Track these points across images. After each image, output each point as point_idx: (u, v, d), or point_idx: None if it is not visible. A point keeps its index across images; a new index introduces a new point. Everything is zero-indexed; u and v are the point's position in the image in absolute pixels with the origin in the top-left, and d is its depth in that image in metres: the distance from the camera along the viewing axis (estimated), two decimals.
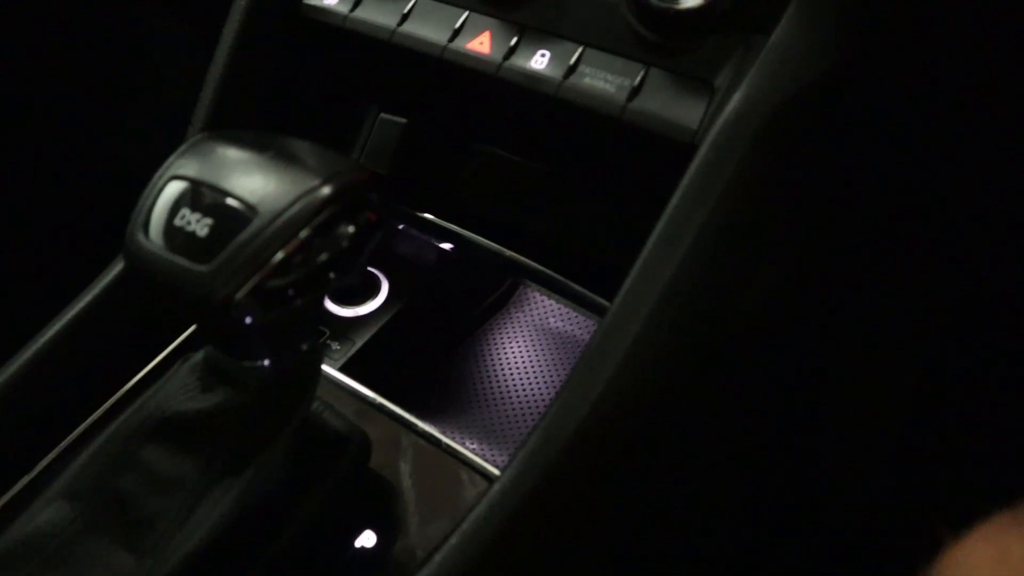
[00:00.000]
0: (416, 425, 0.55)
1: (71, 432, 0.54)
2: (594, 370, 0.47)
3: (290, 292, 0.40)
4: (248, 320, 0.40)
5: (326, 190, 0.40)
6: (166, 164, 0.42)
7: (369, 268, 0.69)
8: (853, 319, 0.67)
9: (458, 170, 0.74)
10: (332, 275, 0.41)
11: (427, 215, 0.71)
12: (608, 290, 0.50)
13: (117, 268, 0.56)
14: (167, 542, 0.46)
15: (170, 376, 0.49)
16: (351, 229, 0.41)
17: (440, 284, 0.70)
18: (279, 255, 0.38)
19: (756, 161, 0.49)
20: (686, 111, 0.52)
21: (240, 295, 0.38)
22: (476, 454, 0.53)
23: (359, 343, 0.65)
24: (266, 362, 0.45)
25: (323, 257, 0.40)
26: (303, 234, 0.38)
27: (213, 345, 0.45)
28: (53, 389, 0.53)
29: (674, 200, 0.49)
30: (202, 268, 0.38)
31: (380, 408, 0.56)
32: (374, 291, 0.69)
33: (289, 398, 0.47)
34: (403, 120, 0.74)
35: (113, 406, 0.55)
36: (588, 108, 0.54)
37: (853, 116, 0.54)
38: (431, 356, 0.67)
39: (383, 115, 0.75)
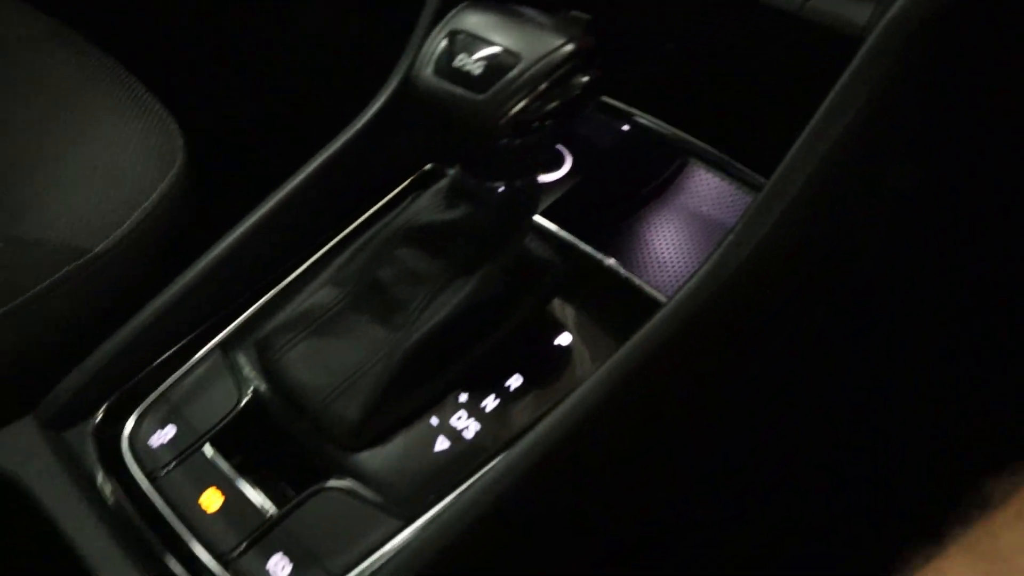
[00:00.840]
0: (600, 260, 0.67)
1: (338, 234, 0.69)
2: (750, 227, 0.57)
3: (535, 124, 0.52)
4: (503, 143, 0.52)
5: (570, 46, 0.52)
6: (443, 22, 0.55)
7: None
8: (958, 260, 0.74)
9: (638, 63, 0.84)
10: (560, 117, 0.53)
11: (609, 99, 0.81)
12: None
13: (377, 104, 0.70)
14: (412, 321, 0.60)
15: (419, 195, 0.64)
16: (584, 79, 0.53)
17: (616, 161, 0.81)
18: (538, 88, 0.50)
19: (907, 62, 0.58)
20: (857, 9, 0.61)
21: (503, 120, 0.51)
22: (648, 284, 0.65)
23: (547, 201, 0.77)
24: (501, 188, 0.58)
25: (564, 97, 0.52)
26: (554, 75, 0.51)
27: (464, 166, 0.58)
28: (328, 197, 0.69)
29: (831, 95, 0.58)
30: (479, 96, 0.51)
31: (570, 245, 0.68)
32: (559, 163, 0.81)
33: (515, 218, 0.60)
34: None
35: (369, 218, 0.70)
36: (768, 3, 0.64)
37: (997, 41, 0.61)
38: (606, 223, 0.79)
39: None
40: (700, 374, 0.60)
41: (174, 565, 0.55)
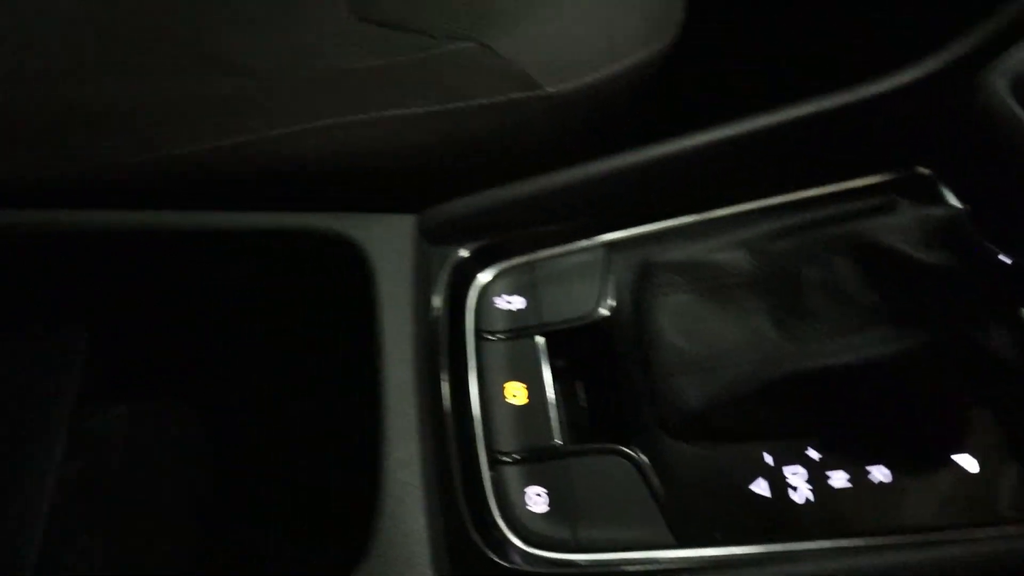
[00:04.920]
0: None
1: (782, 195, 0.60)
2: None
3: None
4: None
5: None
6: None
7: None
8: None
9: None
10: None
11: None
12: None
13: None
14: (820, 341, 0.50)
15: (894, 202, 0.52)
16: None
17: None
18: None
19: None
20: None
21: None
22: None
23: None
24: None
25: None
26: None
27: (981, 208, 0.45)
28: (796, 149, 0.59)
29: None
30: None
31: None
32: None
33: (1006, 299, 0.46)
34: None
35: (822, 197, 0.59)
36: None
37: None
38: None
39: None
40: None
41: (448, 424, 0.53)
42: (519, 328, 0.56)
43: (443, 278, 0.58)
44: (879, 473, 0.48)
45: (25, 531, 0.55)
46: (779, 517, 0.48)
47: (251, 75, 0.64)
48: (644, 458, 0.50)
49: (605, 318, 0.56)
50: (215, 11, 0.69)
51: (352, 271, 0.57)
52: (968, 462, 0.48)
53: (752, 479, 0.49)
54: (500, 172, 0.64)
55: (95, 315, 0.65)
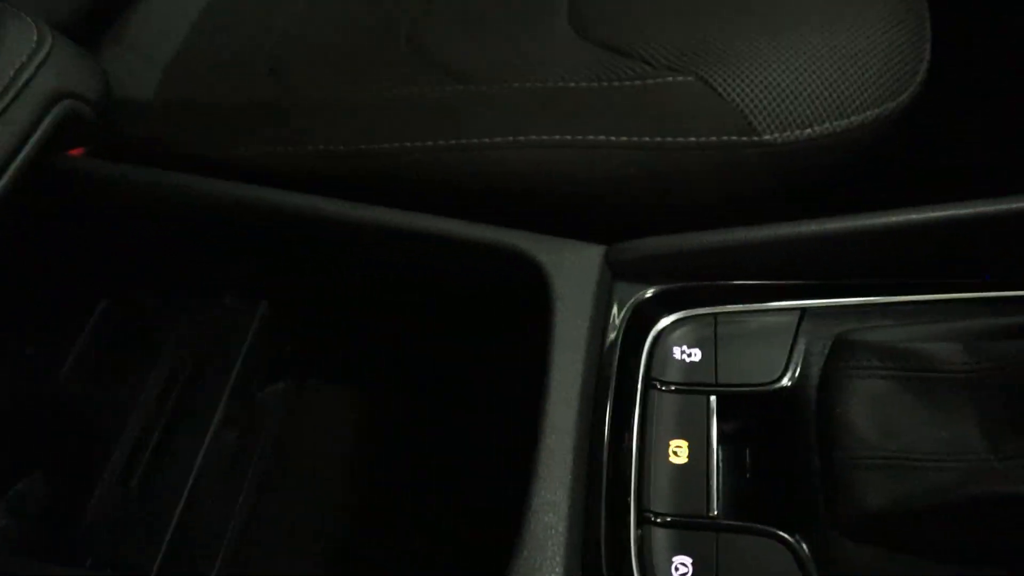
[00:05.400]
0: None
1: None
2: None
3: None
4: None
5: None
6: None
7: None
8: None
9: None
10: None
11: None
12: None
13: None
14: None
15: None
16: None
17: None
18: None
19: None
20: None
21: None
22: None
23: None
24: None
25: None
26: None
27: None
28: None
29: None
30: None
31: None
32: None
33: None
34: None
35: None
36: None
37: None
38: None
39: None
40: None
41: (603, 472, 0.51)
42: (693, 383, 0.53)
43: (623, 316, 0.56)
44: None
45: (172, 490, 0.58)
46: None
47: (468, 81, 0.64)
48: (806, 550, 0.46)
49: (787, 389, 0.52)
50: (441, 14, 0.70)
51: (532, 293, 0.56)
52: None
53: None
54: (697, 216, 0.61)
55: (275, 292, 0.67)
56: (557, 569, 0.44)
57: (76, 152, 0.69)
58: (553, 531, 0.45)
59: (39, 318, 0.70)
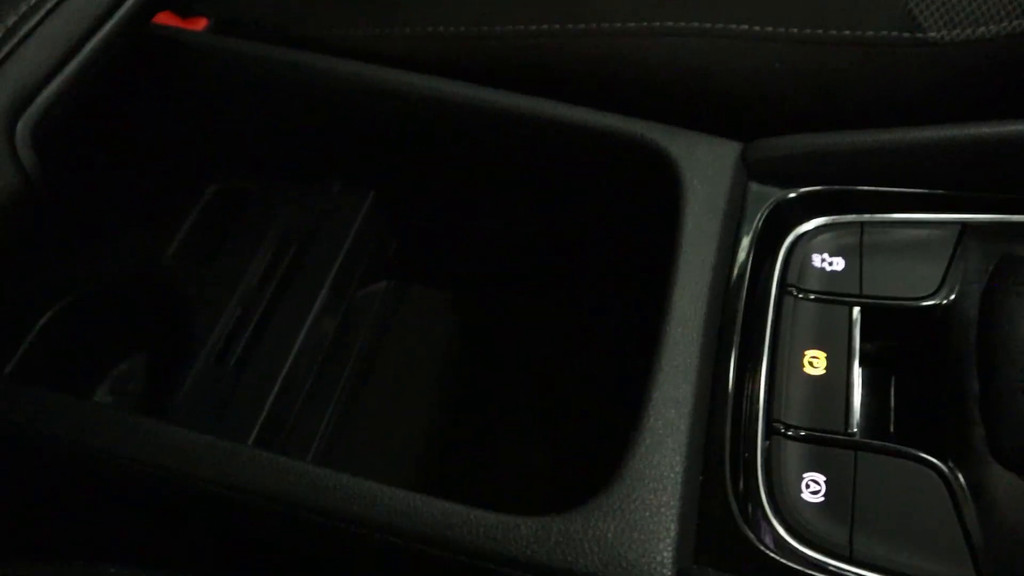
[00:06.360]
0: None
1: None
2: None
3: None
4: None
5: None
6: None
7: None
8: None
9: None
10: None
11: None
12: None
13: None
14: None
15: None
16: None
17: None
18: None
19: None
20: None
21: None
22: None
23: None
24: None
25: None
26: None
27: None
28: None
29: None
30: None
31: None
32: None
33: None
34: None
35: None
36: None
37: None
38: None
39: None
40: None
41: (730, 377, 0.46)
42: (834, 292, 0.48)
43: (759, 217, 0.51)
44: None
45: (269, 372, 0.56)
46: None
47: None
48: (961, 478, 0.41)
49: (942, 307, 0.46)
50: None
51: (661, 189, 0.51)
52: None
53: None
54: (847, 116, 0.55)
55: (384, 183, 0.64)
56: (677, 469, 0.40)
57: (197, 26, 0.67)
58: (675, 428, 0.41)
59: (147, 201, 0.69)
